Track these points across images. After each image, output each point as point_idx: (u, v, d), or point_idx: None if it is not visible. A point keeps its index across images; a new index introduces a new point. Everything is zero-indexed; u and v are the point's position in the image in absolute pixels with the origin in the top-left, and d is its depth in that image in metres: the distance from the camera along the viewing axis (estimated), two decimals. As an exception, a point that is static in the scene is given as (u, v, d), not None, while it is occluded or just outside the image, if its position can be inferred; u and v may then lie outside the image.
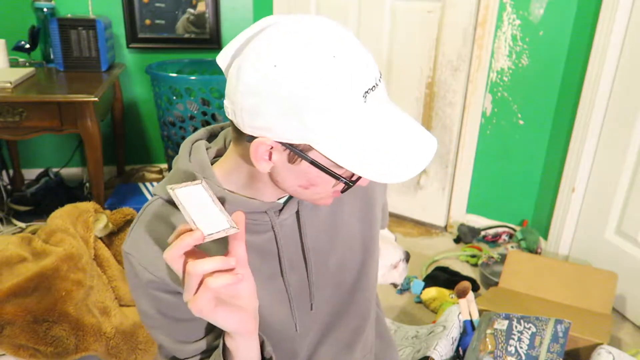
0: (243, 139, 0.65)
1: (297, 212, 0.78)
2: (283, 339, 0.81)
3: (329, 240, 0.82)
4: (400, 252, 1.33)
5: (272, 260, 0.77)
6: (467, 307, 1.63)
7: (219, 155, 0.77)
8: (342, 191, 0.70)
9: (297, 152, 0.63)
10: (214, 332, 0.77)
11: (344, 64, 0.59)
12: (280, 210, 0.75)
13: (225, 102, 0.64)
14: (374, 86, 0.62)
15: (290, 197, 0.77)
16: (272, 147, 0.63)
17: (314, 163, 0.63)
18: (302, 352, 0.84)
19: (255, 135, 0.62)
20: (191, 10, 2.76)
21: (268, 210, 0.74)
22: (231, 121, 0.66)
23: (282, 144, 0.62)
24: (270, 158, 0.64)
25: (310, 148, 0.62)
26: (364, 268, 0.87)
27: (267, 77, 0.59)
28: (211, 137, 0.82)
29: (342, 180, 0.66)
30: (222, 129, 0.82)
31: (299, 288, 0.80)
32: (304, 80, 0.58)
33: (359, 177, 0.67)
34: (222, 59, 0.67)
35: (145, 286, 0.71)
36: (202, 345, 0.76)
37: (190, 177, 0.72)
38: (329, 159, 0.62)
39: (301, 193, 0.70)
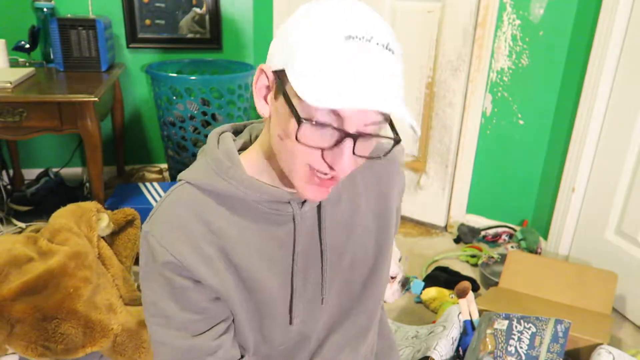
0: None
1: (319, 206, 0.79)
2: (284, 327, 0.81)
3: (346, 236, 0.83)
4: (399, 270, 1.31)
5: (289, 252, 0.78)
6: (467, 307, 1.63)
7: (244, 148, 0.79)
8: (296, 138, 0.63)
9: (278, 82, 0.66)
10: (210, 332, 0.76)
11: (340, 12, 0.63)
12: (303, 202, 0.76)
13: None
14: (363, 37, 0.61)
15: None
16: (268, 83, 0.68)
17: (284, 94, 0.64)
18: (310, 344, 0.85)
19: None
20: (197, 10, 2.76)
21: (291, 200, 0.75)
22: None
23: (274, 72, 0.66)
24: (266, 100, 0.69)
25: (286, 78, 0.64)
26: (375, 267, 0.88)
27: (285, 30, 0.66)
28: (235, 133, 0.83)
29: (294, 113, 0.62)
30: (245, 126, 0.84)
31: (312, 281, 0.81)
32: (304, 24, 0.64)
33: (315, 123, 0.62)
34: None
35: (161, 268, 0.72)
36: (198, 343, 0.75)
37: (220, 165, 0.73)
38: (293, 90, 0.62)
39: (280, 149, 0.68)
